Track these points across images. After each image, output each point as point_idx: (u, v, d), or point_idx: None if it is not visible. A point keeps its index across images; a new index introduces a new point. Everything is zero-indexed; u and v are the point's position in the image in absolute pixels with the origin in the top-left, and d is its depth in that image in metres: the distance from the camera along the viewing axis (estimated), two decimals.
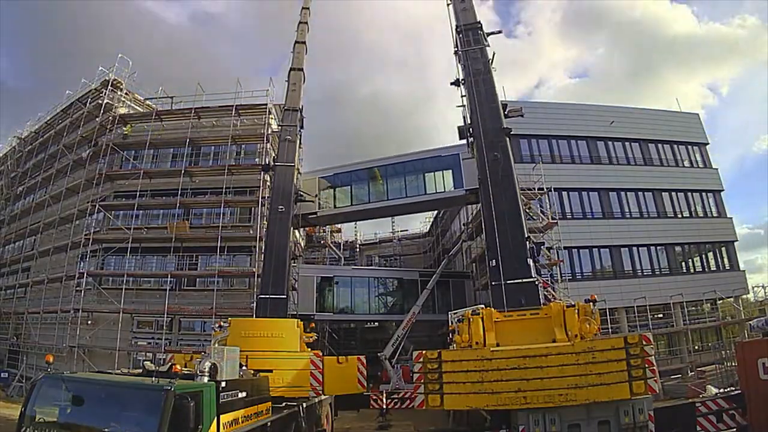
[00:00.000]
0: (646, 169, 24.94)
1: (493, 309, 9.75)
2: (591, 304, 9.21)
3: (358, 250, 38.78)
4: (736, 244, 25.37)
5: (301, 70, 18.24)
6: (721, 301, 23.96)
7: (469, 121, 12.93)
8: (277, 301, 12.84)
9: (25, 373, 21.80)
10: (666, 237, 23.86)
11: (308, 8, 20.76)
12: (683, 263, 24.79)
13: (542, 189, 19.97)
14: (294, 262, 20.69)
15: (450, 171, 22.06)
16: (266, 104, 23.28)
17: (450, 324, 9.98)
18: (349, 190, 23.67)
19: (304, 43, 19.21)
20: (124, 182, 23.46)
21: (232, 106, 23.11)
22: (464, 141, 13.69)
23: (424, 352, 9.09)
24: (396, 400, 14.57)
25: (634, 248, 23.50)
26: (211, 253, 21.65)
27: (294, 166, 15.75)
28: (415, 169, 22.82)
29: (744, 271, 25.15)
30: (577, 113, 25.37)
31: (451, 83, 14.21)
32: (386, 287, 26.87)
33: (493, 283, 10.46)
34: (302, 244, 28.26)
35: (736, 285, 23.34)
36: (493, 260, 10.61)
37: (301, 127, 17.32)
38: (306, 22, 20.03)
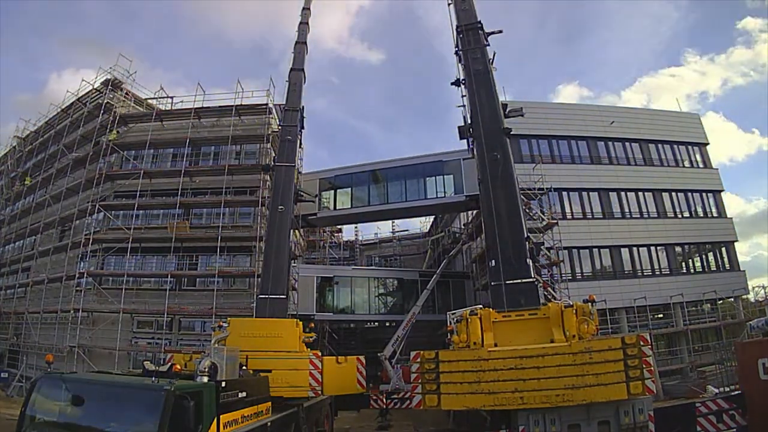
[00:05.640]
0: (646, 169, 24.89)
1: (491, 309, 9.73)
2: (589, 304, 9.18)
3: (358, 250, 38.77)
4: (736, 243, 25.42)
5: (302, 70, 18.24)
6: (721, 302, 23.94)
7: (469, 121, 12.92)
8: (277, 301, 12.82)
9: (25, 373, 21.83)
10: (666, 237, 23.83)
11: (309, 9, 20.77)
12: (683, 263, 24.75)
13: (542, 189, 19.97)
14: (294, 262, 20.65)
15: (451, 176, 22.11)
16: (266, 104, 23.31)
17: (448, 324, 9.97)
18: (349, 191, 23.70)
19: (304, 43, 19.20)
20: (124, 182, 23.48)
21: (232, 106, 23.15)
22: (465, 144, 13.69)
23: (421, 352, 9.07)
24: (396, 400, 14.60)
25: (634, 248, 23.46)
26: (211, 253, 21.69)
27: (294, 166, 15.72)
28: (416, 173, 22.84)
29: (744, 271, 25.14)
30: (577, 113, 25.35)
31: (452, 83, 14.20)
32: (386, 287, 26.82)
33: (492, 283, 10.44)
34: (302, 244, 28.25)
35: (736, 285, 23.29)
36: (493, 260, 10.59)
37: (302, 127, 17.33)
38: (307, 23, 20.02)
